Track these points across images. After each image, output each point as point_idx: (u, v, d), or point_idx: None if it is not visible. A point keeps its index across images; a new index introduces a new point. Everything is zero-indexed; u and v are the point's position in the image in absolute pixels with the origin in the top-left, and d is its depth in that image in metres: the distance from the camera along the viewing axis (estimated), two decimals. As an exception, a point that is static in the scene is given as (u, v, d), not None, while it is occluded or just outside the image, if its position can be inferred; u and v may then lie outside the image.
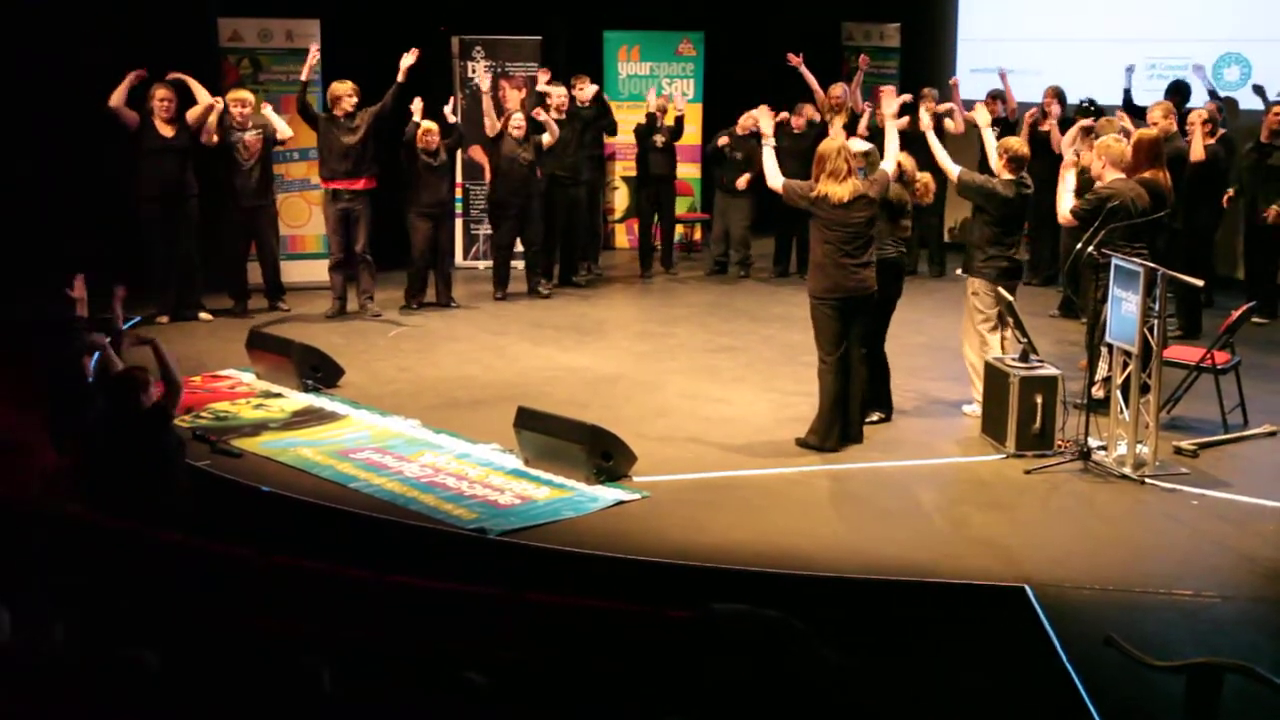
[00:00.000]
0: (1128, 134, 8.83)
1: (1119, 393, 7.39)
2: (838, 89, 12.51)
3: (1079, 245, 7.64)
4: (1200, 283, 7.90)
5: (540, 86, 11.74)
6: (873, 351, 7.97)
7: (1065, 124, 11.55)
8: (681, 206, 13.39)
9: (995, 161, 8.16)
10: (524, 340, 10.18)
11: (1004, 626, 5.67)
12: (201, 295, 10.68)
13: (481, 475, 7.28)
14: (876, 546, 6.41)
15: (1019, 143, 8.24)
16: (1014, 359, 7.70)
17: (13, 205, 11.20)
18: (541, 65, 12.78)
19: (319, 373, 8.85)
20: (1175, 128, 9.86)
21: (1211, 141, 10.19)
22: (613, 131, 12.57)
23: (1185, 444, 7.63)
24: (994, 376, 7.72)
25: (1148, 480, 7.14)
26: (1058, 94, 11.75)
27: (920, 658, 5.33)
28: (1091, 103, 11.09)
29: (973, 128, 12.27)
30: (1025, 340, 7.68)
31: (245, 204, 10.59)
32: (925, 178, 8.46)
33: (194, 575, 5.14)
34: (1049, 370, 7.62)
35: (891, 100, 8.09)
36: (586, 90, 12.08)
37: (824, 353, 7.64)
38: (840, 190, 7.45)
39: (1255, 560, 6.23)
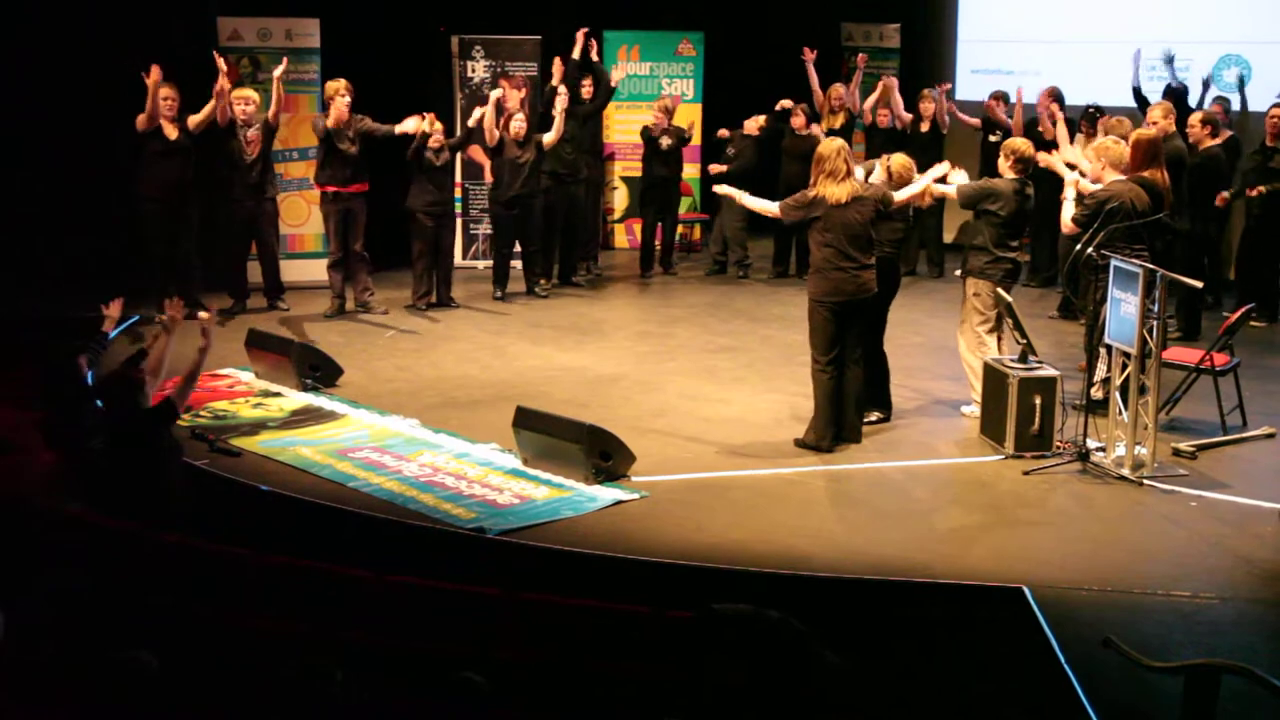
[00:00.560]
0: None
1: (1118, 394, 7.39)
2: (838, 89, 12.52)
3: (1078, 246, 7.65)
4: (1199, 284, 7.92)
5: (554, 82, 11.71)
6: (872, 350, 7.98)
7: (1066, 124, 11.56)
8: (681, 206, 13.39)
9: (1003, 163, 8.15)
10: (523, 340, 10.18)
11: (1002, 627, 5.68)
12: (201, 294, 10.67)
13: (480, 475, 7.29)
14: (875, 547, 6.41)
15: (1025, 144, 8.23)
16: (1013, 360, 7.70)
17: (11, 204, 11.20)
18: (542, 67, 12.77)
19: (318, 372, 8.85)
20: (1174, 128, 9.86)
21: (1213, 143, 10.19)
22: (610, 95, 12.50)
23: (1184, 445, 7.63)
24: (993, 377, 7.72)
25: (1146, 482, 7.15)
26: (1055, 95, 11.73)
27: (919, 658, 5.34)
28: (1096, 108, 11.08)
29: (967, 132, 12.35)
30: (1024, 341, 7.68)
31: (246, 202, 10.58)
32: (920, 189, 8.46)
33: (192, 575, 5.14)
34: (1048, 371, 7.63)
35: (936, 171, 8.28)
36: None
37: (818, 353, 7.65)
38: (838, 191, 7.46)
39: (1253, 562, 6.23)
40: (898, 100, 12.46)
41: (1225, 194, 10.14)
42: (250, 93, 10.70)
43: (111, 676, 3.81)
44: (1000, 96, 12.11)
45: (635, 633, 4.68)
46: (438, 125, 10.77)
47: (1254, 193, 10.11)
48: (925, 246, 12.56)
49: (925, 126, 12.37)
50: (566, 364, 9.52)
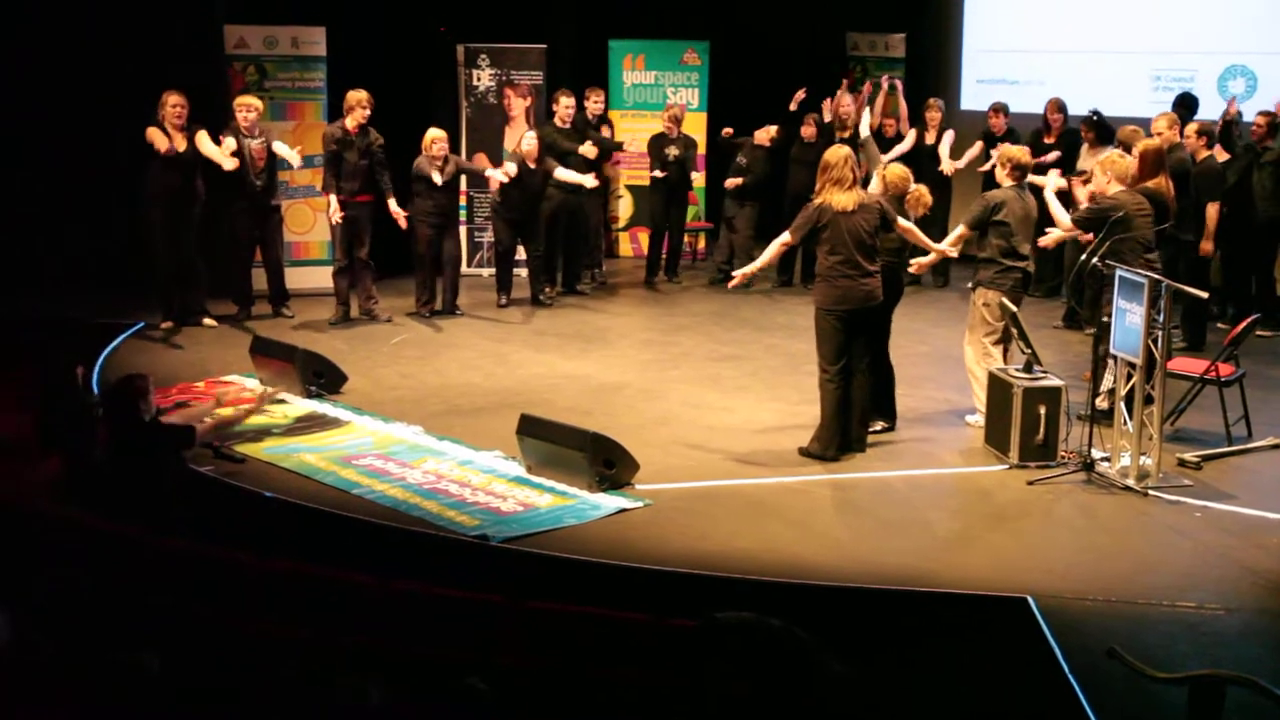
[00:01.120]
0: (1128, 148, 8.88)
1: (1123, 404, 7.38)
2: (845, 99, 12.51)
3: (1083, 257, 7.66)
4: (1204, 294, 7.91)
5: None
6: (877, 359, 7.97)
7: (1069, 135, 11.57)
8: (687, 215, 13.38)
9: (1000, 172, 8.18)
10: (527, 347, 10.18)
11: (1006, 637, 5.66)
12: (205, 301, 10.69)
13: (484, 482, 7.28)
14: (879, 556, 6.40)
15: (1021, 151, 8.27)
16: (1018, 370, 7.69)
17: (15, 208, 11.22)
18: (548, 75, 12.80)
19: (322, 379, 8.85)
20: (1179, 139, 9.86)
21: (1209, 154, 10.20)
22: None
23: (1189, 456, 7.62)
24: (998, 387, 7.71)
25: (1151, 492, 7.13)
26: (1060, 106, 11.75)
27: (923, 668, 5.32)
28: (1096, 114, 11.09)
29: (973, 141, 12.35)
30: (1029, 351, 7.67)
31: (251, 209, 10.59)
32: (919, 189, 8.47)
33: (195, 580, 5.14)
34: (1053, 381, 7.62)
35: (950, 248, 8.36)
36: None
37: (825, 363, 7.64)
38: (845, 198, 7.47)
39: (1258, 573, 6.21)
40: (904, 108, 12.46)
41: (1213, 207, 10.10)
42: (253, 100, 10.71)
43: (113, 678, 3.81)
44: (1000, 110, 12.09)
45: (638, 641, 4.67)
46: (440, 134, 10.80)
47: (1213, 211, 10.07)
48: (925, 255, 12.52)
49: (931, 137, 12.36)
50: (570, 372, 9.52)
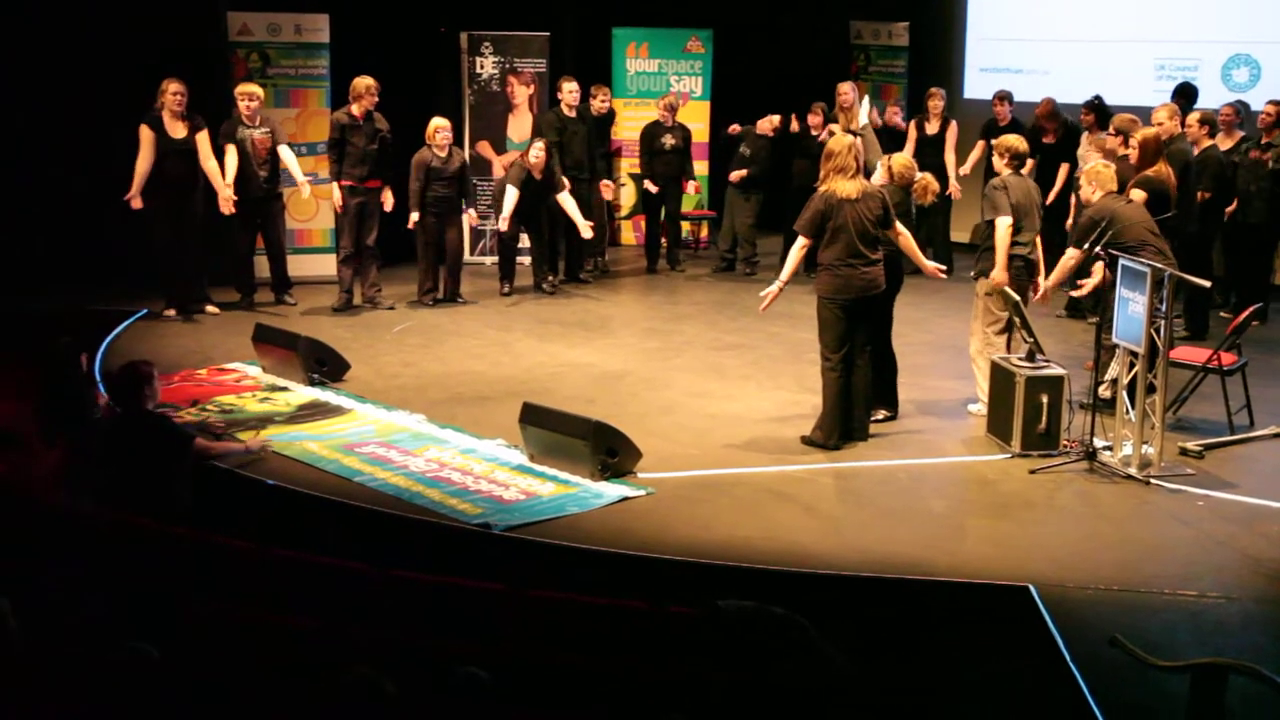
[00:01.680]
0: (1125, 135, 8.89)
1: (1125, 393, 7.38)
2: (845, 88, 12.49)
3: (1085, 246, 7.65)
4: (1207, 283, 7.91)
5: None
6: (880, 348, 7.96)
7: (1068, 129, 11.53)
8: (689, 204, 13.39)
9: (997, 161, 8.18)
10: (530, 336, 10.18)
11: (1008, 626, 5.67)
12: (207, 289, 10.69)
13: (487, 470, 7.29)
14: (881, 545, 6.40)
15: (1018, 139, 8.30)
16: (1020, 358, 7.69)
17: (17, 196, 11.21)
18: (551, 63, 12.80)
19: (324, 367, 8.85)
20: (1179, 129, 9.84)
21: (1211, 143, 10.18)
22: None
23: (1191, 445, 7.61)
24: (1000, 376, 7.71)
25: (1153, 481, 7.13)
26: (1052, 113, 11.72)
27: (924, 656, 5.33)
28: (1099, 99, 11.06)
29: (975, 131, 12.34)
30: (1031, 340, 7.67)
31: (253, 196, 10.59)
32: (925, 178, 8.46)
33: (196, 568, 5.14)
34: (1055, 370, 7.61)
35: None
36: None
37: (828, 351, 7.64)
38: (849, 186, 7.46)
39: (1260, 561, 6.22)
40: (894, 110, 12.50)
41: (1204, 194, 10.06)
42: (255, 88, 10.69)
43: (112, 668, 3.82)
44: (1004, 98, 12.05)
45: (640, 629, 4.67)
46: (444, 122, 10.81)
47: (1201, 197, 10.04)
48: (931, 245, 12.49)
49: (932, 128, 12.32)
50: (573, 360, 9.52)
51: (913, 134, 12.36)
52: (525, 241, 11.66)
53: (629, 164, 13.65)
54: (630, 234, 13.92)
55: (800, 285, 11.49)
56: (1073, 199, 10.32)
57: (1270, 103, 10.55)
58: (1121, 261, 7.30)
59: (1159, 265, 7.11)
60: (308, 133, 11.52)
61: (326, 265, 11.46)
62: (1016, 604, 5.72)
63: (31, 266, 11.00)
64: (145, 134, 10.09)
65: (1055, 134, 11.58)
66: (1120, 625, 5.32)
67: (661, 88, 13.53)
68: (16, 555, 4.93)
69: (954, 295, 11.06)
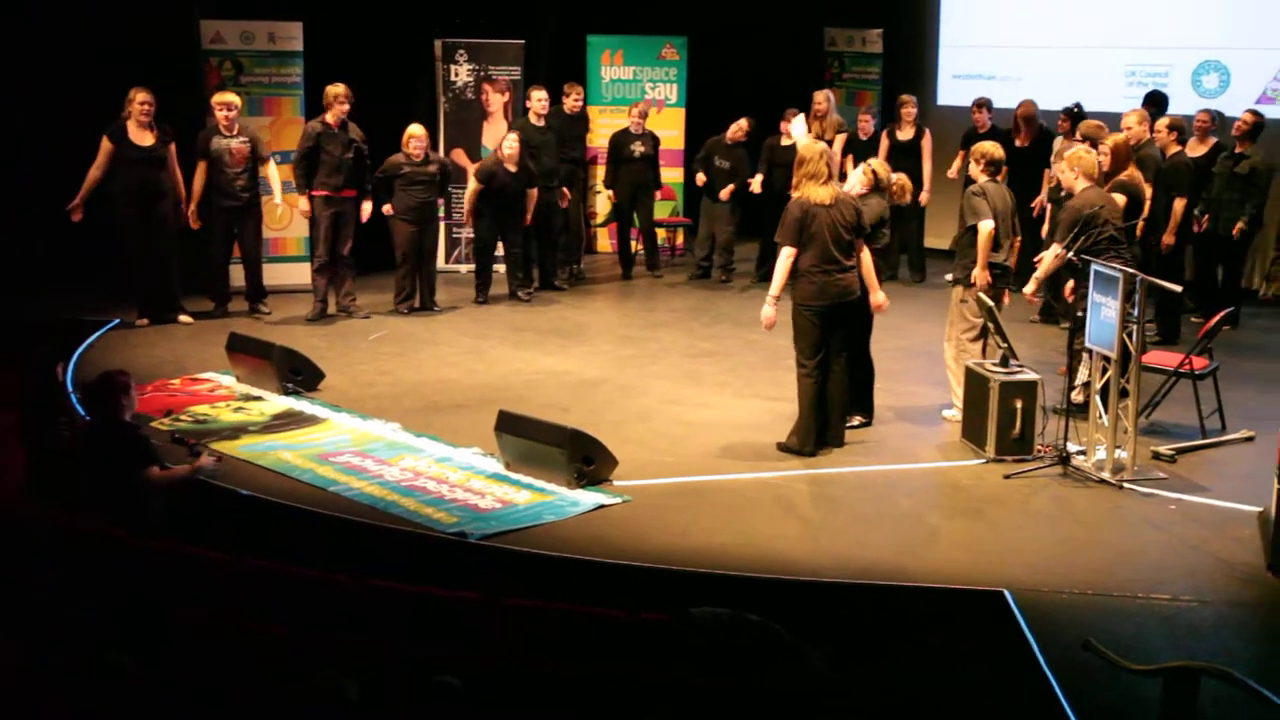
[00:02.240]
0: (1093, 142, 8.94)
1: (1098, 398, 7.42)
2: (821, 96, 12.53)
3: (1058, 250, 7.69)
4: (1178, 288, 7.96)
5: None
6: (857, 355, 7.98)
7: (1042, 133, 11.62)
8: (664, 210, 13.40)
9: (974, 168, 8.22)
10: (505, 344, 10.17)
11: (983, 630, 5.69)
12: (181, 298, 10.65)
13: (462, 479, 7.27)
14: (857, 550, 6.42)
15: (993, 146, 8.34)
16: (994, 364, 7.72)
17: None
18: (526, 71, 12.80)
19: (299, 376, 8.82)
20: (1149, 135, 9.91)
21: (1179, 149, 10.26)
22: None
23: (1163, 449, 7.66)
24: (974, 381, 7.74)
25: (1126, 485, 7.17)
26: (1029, 116, 11.81)
27: (900, 661, 5.35)
28: (1078, 106, 11.14)
29: (953, 139, 12.39)
30: (1005, 345, 7.70)
31: (227, 205, 10.55)
32: (901, 178, 8.51)
33: (171, 579, 5.12)
34: (1029, 375, 7.65)
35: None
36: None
37: (803, 358, 7.65)
38: (821, 192, 7.48)
39: (1232, 564, 6.26)
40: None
41: (1181, 201, 10.13)
42: (232, 97, 10.67)
43: (89, 679, 3.80)
44: (982, 105, 12.11)
45: (617, 637, 4.67)
46: (419, 130, 10.81)
47: (1179, 207, 10.10)
48: (906, 251, 12.58)
49: (905, 134, 12.36)
50: (549, 368, 9.51)
51: (885, 141, 12.40)
52: (501, 250, 11.65)
53: (604, 171, 13.65)
54: (606, 241, 13.93)
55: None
56: (1048, 209, 10.41)
57: (1248, 111, 10.62)
58: (1094, 266, 7.35)
59: (1131, 270, 7.16)
60: (282, 141, 11.48)
61: (301, 274, 11.42)
62: (991, 608, 5.74)
63: (5, 273, 10.93)
64: (104, 145, 10.07)
65: (1029, 138, 11.66)
66: (1093, 629, 5.35)
67: (637, 95, 13.55)
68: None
69: (929, 301, 11.11)
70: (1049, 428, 7.65)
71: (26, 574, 4.89)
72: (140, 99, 10.06)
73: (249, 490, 7.05)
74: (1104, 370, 7.38)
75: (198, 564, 5.21)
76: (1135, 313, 7.14)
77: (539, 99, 11.75)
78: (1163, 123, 10.33)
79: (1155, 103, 11.22)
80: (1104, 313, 7.26)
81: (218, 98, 10.60)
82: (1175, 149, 10.22)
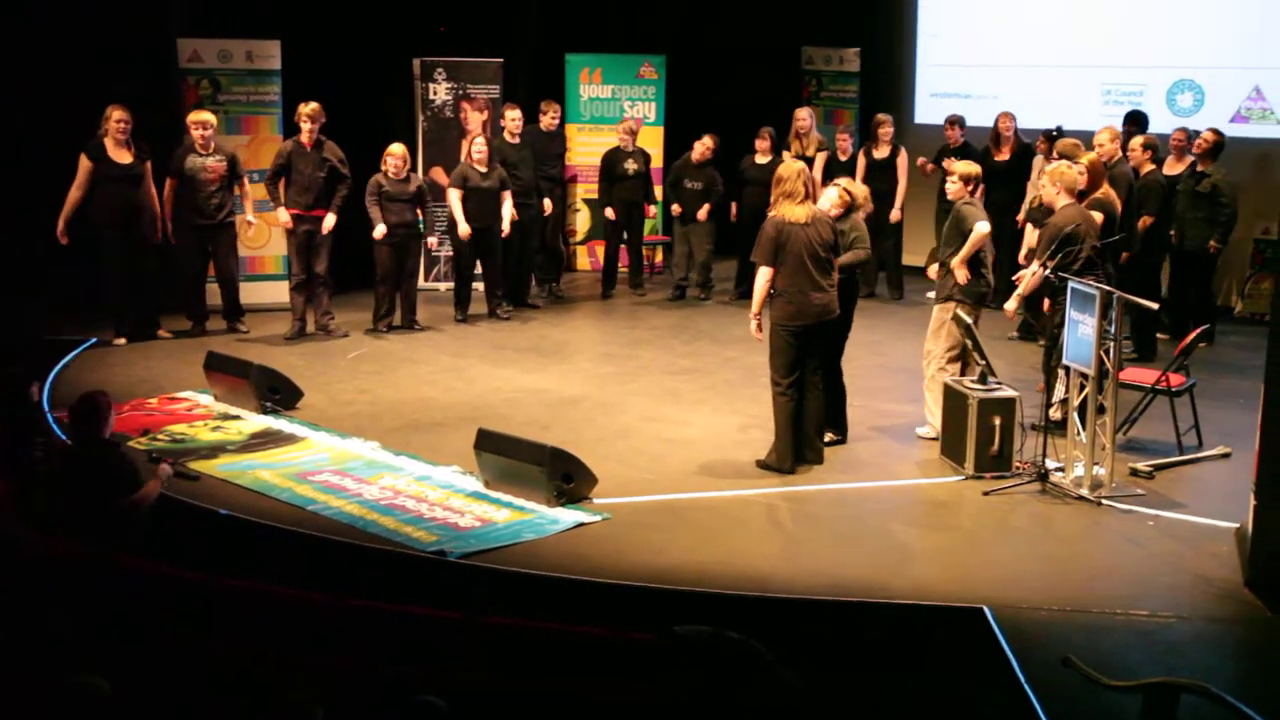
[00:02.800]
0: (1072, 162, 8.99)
1: (1076, 414, 7.45)
2: (803, 114, 12.58)
3: (1035, 268, 7.73)
4: (1155, 305, 8.01)
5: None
6: (830, 373, 8.00)
7: (1024, 148, 11.71)
8: (646, 228, 13.40)
9: (952, 186, 8.26)
10: (484, 362, 10.16)
11: (963, 647, 5.69)
12: (158, 314, 10.60)
13: (441, 498, 7.25)
14: (836, 568, 6.42)
15: (970, 165, 8.40)
16: (973, 381, 7.75)
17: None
18: (504, 89, 12.82)
19: (277, 394, 8.79)
20: (1120, 153, 9.98)
21: (1153, 168, 10.33)
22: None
23: (1141, 465, 7.70)
24: (953, 398, 7.76)
25: (1104, 501, 7.20)
26: (1011, 128, 11.89)
27: (879, 679, 5.34)
28: (1059, 129, 11.21)
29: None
30: (984, 362, 7.73)
31: (200, 223, 10.53)
32: (862, 189, 8.59)
33: (148, 599, 5.08)
34: (1007, 392, 7.67)
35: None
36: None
37: (778, 376, 7.66)
38: (797, 212, 7.50)
39: (1210, 580, 6.28)
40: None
41: (1147, 219, 10.19)
42: (208, 116, 10.65)
43: (64, 702, 3.76)
44: (955, 122, 12.18)
45: (597, 655, 4.66)
46: (399, 149, 10.81)
47: (1142, 225, 10.16)
48: (884, 268, 12.62)
49: (881, 153, 12.39)
50: (528, 386, 9.50)
51: (862, 160, 12.45)
52: (479, 268, 11.64)
53: (584, 189, 13.68)
54: (585, 259, 13.93)
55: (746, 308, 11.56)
56: (1027, 229, 10.48)
57: (1209, 130, 10.71)
58: (1071, 284, 7.38)
59: (1108, 288, 7.20)
60: (259, 159, 11.46)
61: (279, 292, 11.39)
62: (971, 625, 5.75)
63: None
64: (83, 163, 10.04)
65: (1010, 152, 11.74)
66: (1073, 645, 5.36)
67: (615, 113, 13.58)
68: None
69: (908, 318, 11.15)
70: (1027, 445, 7.68)
71: (4, 595, 4.85)
72: (117, 116, 10.05)
73: (227, 510, 7.02)
74: (1082, 387, 7.41)
75: (175, 584, 5.17)
76: (1112, 330, 7.18)
77: (512, 118, 11.77)
78: (1137, 141, 10.41)
79: (1135, 121, 11.30)
80: (1081, 330, 7.29)
81: (193, 116, 10.58)
82: (1149, 168, 10.30)
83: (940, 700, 5.18)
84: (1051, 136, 11.10)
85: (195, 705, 3.98)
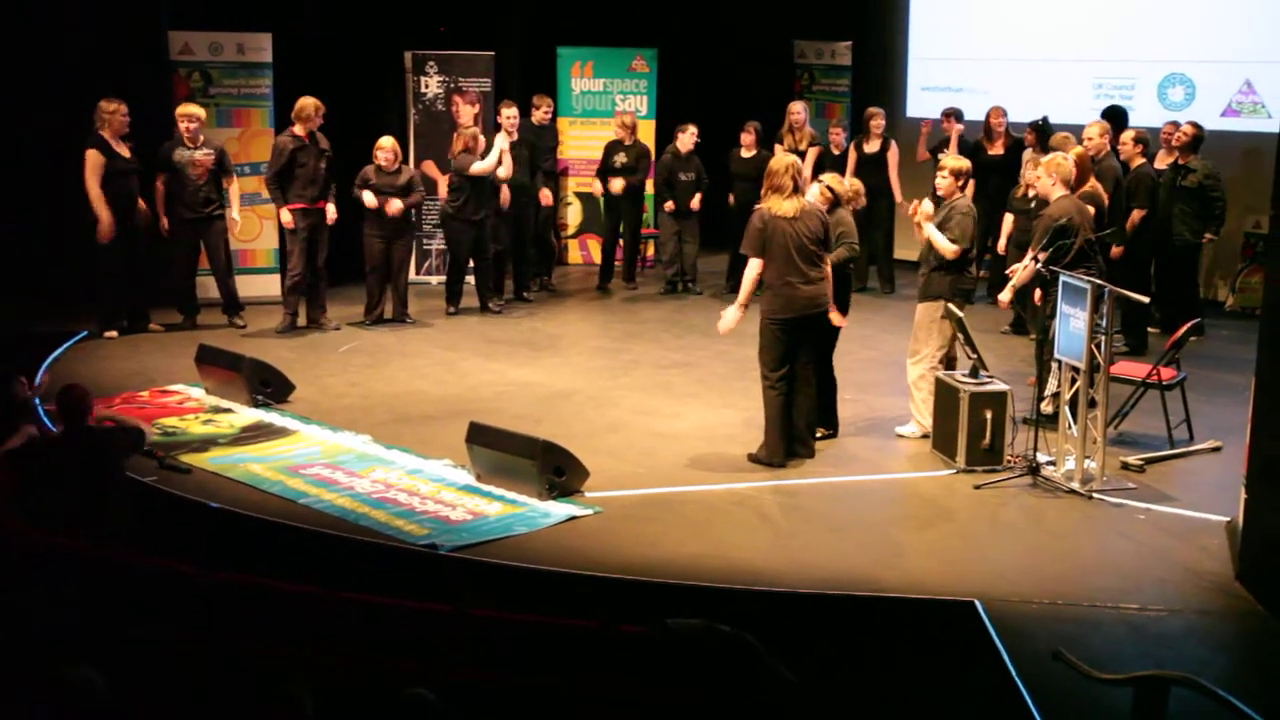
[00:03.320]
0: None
1: (1067, 408, 7.46)
2: (797, 107, 12.57)
3: (1026, 261, 7.74)
4: (1145, 299, 8.02)
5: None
6: (820, 368, 8.00)
7: (1015, 142, 11.72)
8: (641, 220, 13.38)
9: (942, 181, 8.23)
10: (476, 355, 10.15)
11: (954, 640, 5.70)
12: (149, 307, 10.58)
13: (433, 491, 7.25)
14: (827, 561, 6.43)
15: (959, 160, 8.38)
16: (964, 375, 7.76)
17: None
18: (496, 82, 12.80)
19: (269, 388, 8.78)
20: (1109, 147, 9.98)
21: (1143, 161, 10.34)
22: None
23: (1132, 459, 7.71)
24: (944, 392, 7.77)
25: (1095, 495, 7.21)
26: (1003, 123, 11.90)
27: (871, 672, 5.35)
28: (1044, 120, 11.21)
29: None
30: (975, 356, 7.74)
31: (189, 217, 10.50)
32: (855, 184, 8.56)
33: (140, 592, 5.08)
34: (998, 386, 7.69)
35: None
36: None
37: (767, 370, 7.67)
38: (786, 205, 7.50)
39: (1201, 574, 6.30)
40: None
41: (1137, 214, 10.20)
42: (196, 109, 10.62)
43: (57, 695, 3.76)
44: (950, 114, 12.18)
45: (589, 648, 4.66)
46: (389, 142, 10.77)
47: (1133, 218, 10.17)
48: (875, 262, 12.63)
49: (872, 147, 12.39)
50: (520, 379, 9.50)
51: (853, 154, 12.44)
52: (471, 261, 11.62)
53: (576, 183, 13.66)
54: (577, 253, 13.92)
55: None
56: (1009, 219, 10.50)
57: (1189, 123, 10.69)
58: (1063, 278, 7.39)
59: (1099, 281, 7.21)
60: (250, 153, 11.44)
61: (269, 286, 11.37)
62: (962, 618, 5.76)
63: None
64: (95, 158, 9.97)
65: (1004, 145, 11.76)
66: (1064, 638, 5.37)
67: (607, 107, 13.56)
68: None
69: (898, 312, 11.14)
70: (1018, 438, 7.69)
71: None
72: (119, 110, 10.02)
73: (218, 503, 7.01)
74: (1073, 381, 7.42)
75: (166, 577, 5.16)
76: (1104, 323, 7.19)
77: (508, 116, 11.74)
78: (1128, 135, 10.41)
79: (1113, 118, 11.27)
80: (1073, 324, 7.30)
81: (181, 109, 10.56)
82: (1140, 161, 10.30)
83: (931, 693, 5.19)
84: (1038, 127, 11.11)
85: (186, 698, 3.97)
